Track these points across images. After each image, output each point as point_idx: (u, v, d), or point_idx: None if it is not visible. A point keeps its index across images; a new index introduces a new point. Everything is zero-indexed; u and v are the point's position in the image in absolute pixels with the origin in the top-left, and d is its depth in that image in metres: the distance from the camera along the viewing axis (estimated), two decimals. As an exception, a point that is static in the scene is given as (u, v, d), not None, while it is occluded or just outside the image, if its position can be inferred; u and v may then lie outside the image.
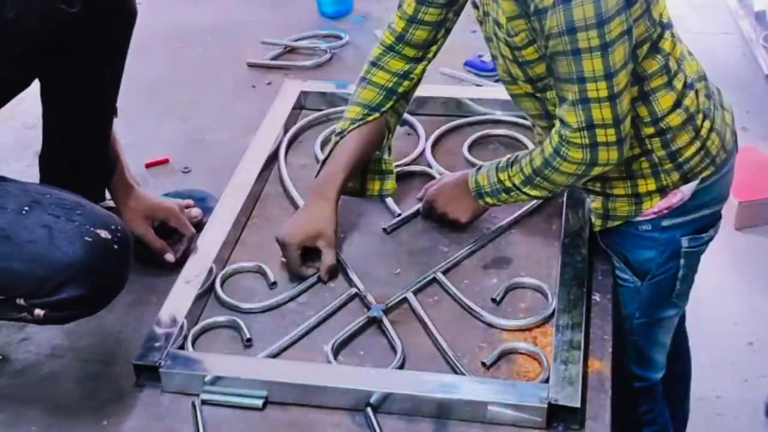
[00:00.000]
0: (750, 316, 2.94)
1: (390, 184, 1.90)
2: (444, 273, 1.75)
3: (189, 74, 2.46)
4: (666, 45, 1.59)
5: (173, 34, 2.64)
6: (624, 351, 1.81)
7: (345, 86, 2.26)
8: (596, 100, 1.50)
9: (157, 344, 1.59)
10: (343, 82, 2.29)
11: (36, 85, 2.29)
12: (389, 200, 1.93)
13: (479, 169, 1.76)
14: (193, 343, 1.63)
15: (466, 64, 2.39)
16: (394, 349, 1.61)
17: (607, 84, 1.48)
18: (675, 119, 1.62)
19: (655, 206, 1.69)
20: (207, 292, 1.74)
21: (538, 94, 1.65)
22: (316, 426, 1.50)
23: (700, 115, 1.65)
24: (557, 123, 1.58)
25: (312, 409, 1.52)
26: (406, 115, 2.17)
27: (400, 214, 1.89)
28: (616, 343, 1.63)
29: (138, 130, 2.23)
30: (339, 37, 2.51)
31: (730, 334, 2.88)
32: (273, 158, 2.07)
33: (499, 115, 2.17)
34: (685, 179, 1.67)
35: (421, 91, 2.21)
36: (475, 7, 1.69)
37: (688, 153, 1.65)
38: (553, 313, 1.64)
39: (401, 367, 1.58)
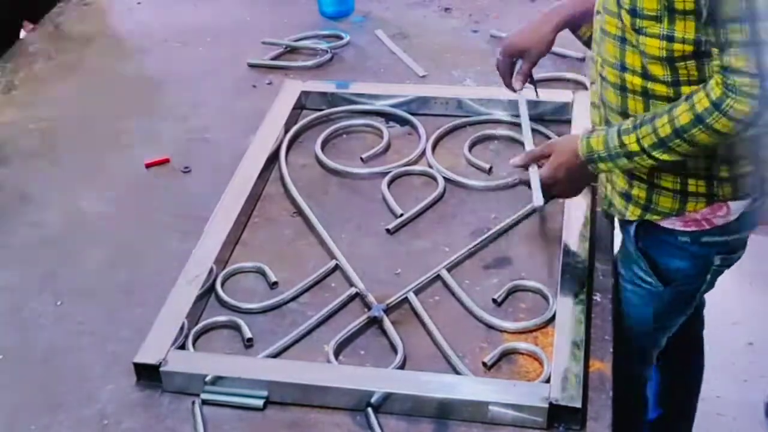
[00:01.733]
0: (750, 316, 2.94)
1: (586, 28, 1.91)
2: (446, 272, 1.75)
3: (189, 74, 2.46)
4: None
5: (173, 34, 2.64)
6: (629, 354, 1.80)
7: (345, 86, 2.27)
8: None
9: (157, 344, 1.58)
10: (343, 82, 2.29)
11: (35, 84, 2.30)
12: (391, 200, 1.93)
13: (591, 132, 1.65)
14: (193, 343, 1.63)
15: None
16: (394, 349, 1.61)
17: None
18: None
19: (699, 211, 1.65)
20: (207, 292, 1.74)
21: (626, 36, 1.55)
22: (317, 426, 1.50)
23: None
24: (716, 77, 1.45)
25: (312, 409, 1.52)
26: (406, 115, 2.18)
27: (402, 215, 1.89)
28: (620, 345, 1.62)
29: (138, 130, 2.23)
30: (340, 37, 2.51)
31: (730, 334, 2.88)
32: (273, 158, 2.07)
33: (499, 115, 2.17)
34: (735, 194, 1.63)
35: (421, 91, 2.23)
36: None
37: (745, 168, 1.60)
38: (553, 315, 1.64)
39: (402, 367, 1.58)
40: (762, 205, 1.69)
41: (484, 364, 1.57)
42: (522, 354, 1.59)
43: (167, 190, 2.03)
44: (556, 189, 1.72)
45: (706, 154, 1.58)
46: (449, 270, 1.76)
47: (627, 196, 1.71)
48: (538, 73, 2.28)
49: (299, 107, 2.25)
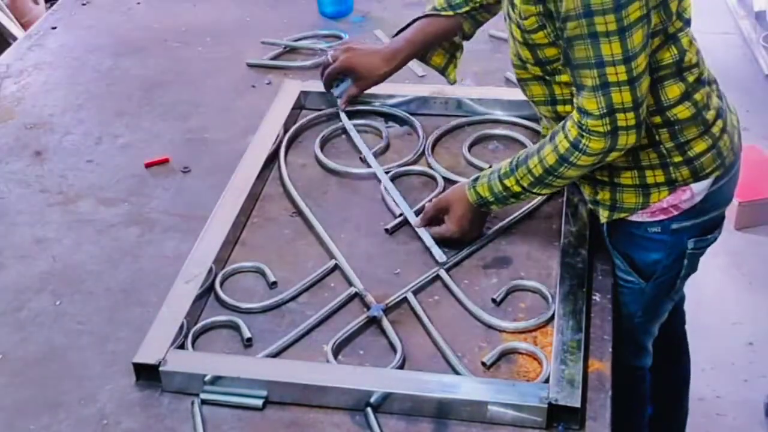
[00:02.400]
0: (750, 316, 2.94)
1: (452, 73, 2.05)
2: (446, 272, 1.75)
3: (189, 74, 2.46)
4: (684, 40, 1.60)
5: (173, 34, 2.64)
6: (623, 348, 1.81)
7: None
8: (616, 84, 1.49)
9: (157, 344, 1.58)
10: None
11: (35, 85, 2.30)
12: (390, 201, 1.93)
13: (475, 180, 1.75)
14: (193, 343, 1.63)
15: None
16: (394, 348, 1.61)
17: (626, 68, 1.48)
18: (683, 111, 1.62)
19: (663, 200, 1.68)
20: (207, 292, 1.74)
21: (547, 77, 1.65)
22: (316, 426, 1.50)
23: (712, 113, 1.65)
24: (574, 115, 1.58)
25: (312, 409, 1.52)
26: (406, 115, 2.17)
27: (401, 215, 1.89)
28: (616, 341, 1.63)
29: (138, 130, 2.23)
30: (339, 37, 2.51)
31: (730, 334, 2.88)
32: (273, 158, 2.07)
33: (499, 115, 2.17)
34: (695, 176, 1.66)
35: (421, 91, 2.23)
36: None
37: (698, 149, 1.64)
38: (553, 315, 1.64)
39: (401, 367, 1.58)
40: (728, 180, 1.72)
41: (484, 363, 1.57)
42: (521, 354, 1.60)
43: (167, 190, 2.03)
44: (467, 238, 1.79)
45: (652, 144, 1.64)
46: (449, 270, 1.76)
47: (594, 202, 1.75)
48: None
49: (298, 107, 2.25)
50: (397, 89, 2.24)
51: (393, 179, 2.00)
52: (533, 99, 1.74)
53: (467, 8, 1.92)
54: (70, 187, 2.05)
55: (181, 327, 1.63)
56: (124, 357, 1.61)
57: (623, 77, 1.48)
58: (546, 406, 1.46)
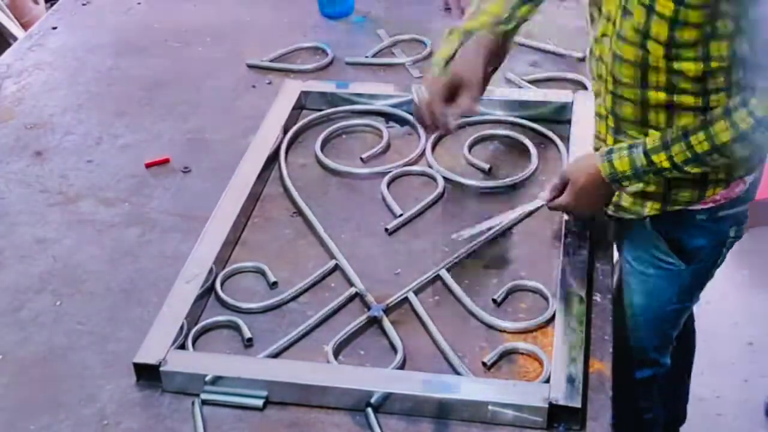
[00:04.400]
0: (750, 316, 2.94)
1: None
2: (446, 272, 1.75)
3: (189, 74, 2.46)
4: None
5: (173, 34, 2.64)
6: (650, 339, 1.84)
7: (345, 86, 2.26)
8: None
9: (157, 344, 1.58)
10: (343, 82, 2.29)
11: (35, 85, 2.31)
12: (390, 200, 1.93)
13: (610, 153, 1.65)
14: (193, 343, 1.63)
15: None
16: (394, 349, 1.61)
17: None
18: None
19: (717, 194, 1.69)
20: (207, 292, 1.74)
21: (661, 60, 1.56)
22: (316, 426, 1.50)
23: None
24: (758, 96, 1.49)
25: (312, 409, 1.52)
26: (406, 115, 2.17)
27: (401, 214, 1.89)
28: (630, 332, 1.62)
29: (138, 130, 2.23)
30: (322, 50, 2.48)
31: (730, 334, 2.88)
32: (273, 158, 2.07)
33: (499, 115, 2.17)
34: (750, 170, 1.68)
35: (421, 91, 2.22)
36: None
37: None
38: (553, 315, 1.64)
39: (401, 367, 1.58)
40: (761, 171, 1.73)
41: (484, 364, 1.57)
42: (522, 354, 1.60)
43: (167, 190, 2.03)
44: (578, 212, 1.73)
45: None
46: (449, 270, 1.76)
47: (642, 194, 1.72)
48: (535, 74, 2.29)
49: (299, 107, 2.25)
50: (397, 89, 2.24)
51: (393, 179, 2.00)
52: (613, 75, 1.64)
53: (513, 25, 1.80)
54: (70, 187, 2.05)
55: (182, 327, 1.63)
56: (124, 357, 1.61)
57: None
58: (546, 406, 1.46)
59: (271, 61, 2.46)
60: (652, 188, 1.71)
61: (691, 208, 1.72)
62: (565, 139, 2.04)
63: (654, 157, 1.60)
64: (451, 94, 1.73)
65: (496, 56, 1.79)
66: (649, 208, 1.74)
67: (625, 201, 1.76)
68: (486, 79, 1.78)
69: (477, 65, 1.73)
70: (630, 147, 1.62)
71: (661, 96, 1.60)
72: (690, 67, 1.54)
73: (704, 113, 1.57)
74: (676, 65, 1.55)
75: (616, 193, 1.75)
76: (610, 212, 1.80)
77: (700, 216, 1.72)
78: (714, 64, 1.53)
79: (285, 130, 2.14)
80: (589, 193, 1.69)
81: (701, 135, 1.55)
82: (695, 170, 1.60)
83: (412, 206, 1.91)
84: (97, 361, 1.63)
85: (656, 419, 2.11)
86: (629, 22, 1.57)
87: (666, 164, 1.59)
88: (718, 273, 2.85)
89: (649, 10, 1.52)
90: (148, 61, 2.52)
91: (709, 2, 1.46)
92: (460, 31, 1.77)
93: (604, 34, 1.66)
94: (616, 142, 1.71)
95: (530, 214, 1.81)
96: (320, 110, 2.23)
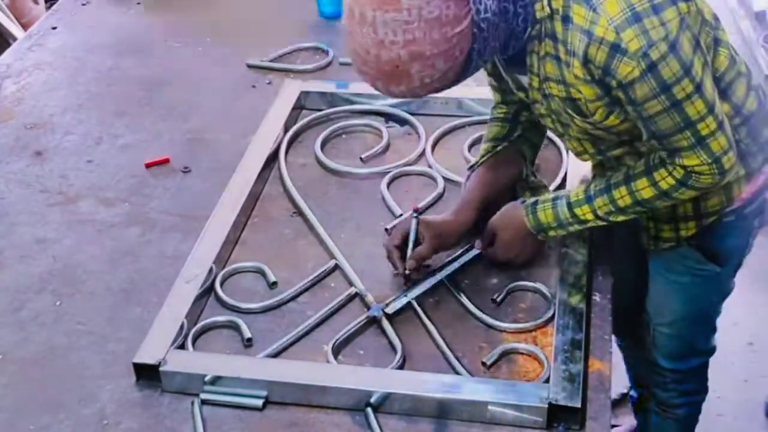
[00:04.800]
0: (750, 316, 2.94)
1: (527, 193, 1.84)
2: (448, 274, 1.75)
3: (189, 74, 2.46)
4: (723, 36, 1.60)
5: (173, 34, 2.64)
6: (702, 333, 1.90)
7: (345, 86, 2.26)
8: (710, 135, 1.50)
9: (157, 344, 1.58)
10: (343, 82, 2.29)
11: (35, 85, 2.31)
12: (390, 200, 1.93)
13: (533, 206, 1.69)
14: (193, 343, 1.63)
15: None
16: (394, 349, 1.61)
17: (712, 116, 1.49)
18: (752, 103, 1.64)
19: (743, 191, 1.69)
20: (207, 292, 1.74)
21: (625, 138, 1.62)
22: (316, 426, 1.50)
23: (762, 93, 1.68)
24: (676, 163, 1.54)
25: (312, 409, 1.52)
26: (406, 115, 2.17)
27: (401, 215, 1.89)
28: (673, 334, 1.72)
29: (138, 130, 2.23)
30: (322, 50, 2.48)
31: (730, 334, 2.87)
32: (273, 158, 2.07)
33: (499, 115, 2.17)
34: (765, 160, 1.69)
35: (421, 91, 2.22)
36: (521, 90, 1.66)
37: (766, 133, 1.67)
38: (553, 315, 1.64)
39: (401, 367, 1.58)
40: None
41: (484, 364, 1.57)
42: (521, 354, 1.60)
43: (167, 190, 2.03)
44: (516, 261, 1.75)
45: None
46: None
47: (674, 220, 1.73)
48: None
49: (299, 107, 2.25)
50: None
51: (393, 179, 2.00)
52: (602, 147, 1.68)
53: (518, 132, 1.81)
54: (70, 187, 2.05)
55: (182, 327, 1.63)
56: (124, 357, 1.61)
57: (713, 126, 1.49)
58: (546, 406, 1.45)
59: (271, 61, 2.46)
60: (680, 210, 1.71)
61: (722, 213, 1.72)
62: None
63: (577, 210, 1.65)
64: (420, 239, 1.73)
65: (506, 175, 1.81)
66: (686, 230, 1.74)
67: (664, 233, 1.75)
68: (503, 192, 1.82)
69: (455, 217, 1.76)
70: (554, 199, 1.68)
71: (618, 152, 1.65)
72: (614, 122, 1.56)
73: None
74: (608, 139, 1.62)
75: (652, 225, 1.76)
76: (651, 248, 1.80)
77: (729, 218, 1.72)
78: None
79: (285, 130, 2.14)
80: (516, 243, 1.73)
81: (623, 190, 1.60)
82: (622, 218, 1.64)
83: (412, 206, 1.91)
84: (97, 361, 1.63)
85: (703, 399, 2.14)
86: (572, 130, 1.63)
87: (590, 216, 1.65)
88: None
89: (579, 126, 1.60)
90: (148, 61, 2.52)
91: (606, 105, 1.52)
92: (468, 167, 1.85)
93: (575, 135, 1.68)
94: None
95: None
96: (320, 110, 2.23)
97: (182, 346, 1.62)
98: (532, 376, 1.55)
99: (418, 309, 1.67)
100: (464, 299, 1.69)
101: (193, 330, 1.65)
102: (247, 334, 1.64)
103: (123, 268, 1.82)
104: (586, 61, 1.44)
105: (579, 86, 1.50)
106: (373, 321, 1.66)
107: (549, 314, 1.65)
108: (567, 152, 1.99)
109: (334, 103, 2.24)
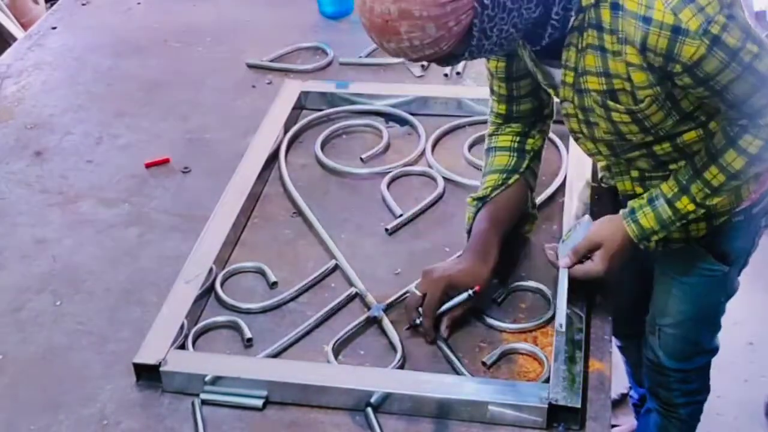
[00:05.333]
0: (750, 316, 2.93)
1: (528, 225, 1.82)
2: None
3: (189, 74, 2.46)
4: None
5: (173, 34, 2.64)
6: (708, 332, 1.90)
7: (345, 86, 2.27)
8: None
9: (157, 344, 1.58)
10: (343, 82, 2.29)
11: (35, 85, 2.30)
12: (391, 200, 1.93)
13: (631, 213, 1.63)
14: (193, 343, 1.63)
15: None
16: (394, 349, 1.61)
17: None
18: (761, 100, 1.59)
19: (752, 191, 1.69)
20: (207, 292, 1.74)
21: (649, 139, 1.60)
22: (316, 426, 1.50)
23: None
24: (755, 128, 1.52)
25: (312, 409, 1.52)
26: (406, 115, 2.18)
27: (401, 215, 1.89)
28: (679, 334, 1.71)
29: (138, 130, 2.23)
30: (322, 50, 2.48)
31: (730, 334, 2.87)
32: (273, 158, 2.07)
33: (499, 115, 2.17)
34: None
35: (421, 91, 2.23)
36: (552, 87, 1.64)
37: None
38: (553, 315, 1.64)
39: (401, 367, 1.58)
40: None
41: (484, 363, 1.57)
42: (522, 354, 1.60)
43: (167, 190, 2.03)
44: (611, 276, 1.66)
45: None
46: (449, 270, 1.76)
47: (684, 222, 1.69)
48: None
49: (299, 107, 2.25)
50: (397, 89, 2.24)
51: (393, 179, 2.00)
52: (619, 150, 1.66)
53: (527, 162, 1.77)
54: (70, 187, 2.05)
55: (182, 327, 1.63)
56: (124, 357, 1.61)
57: None
58: (546, 406, 1.45)
59: (271, 61, 2.46)
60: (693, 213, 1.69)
61: (731, 213, 1.71)
62: (565, 139, 2.03)
63: (678, 204, 1.60)
64: (448, 296, 1.64)
65: (518, 207, 1.76)
66: (697, 231, 1.72)
67: (674, 233, 1.71)
68: (519, 218, 1.78)
69: (485, 264, 1.65)
70: (650, 201, 1.62)
71: (666, 147, 1.61)
72: (656, 114, 1.54)
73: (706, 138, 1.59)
74: (663, 131, 1.58)
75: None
76: (658, 249, 1.75)
77: (738, 218, 1.72)
78: (684, 104, 1.55)
79: (285, 130, 2.14)
80: (620, 256, 1.65)
81: (714, 169, 1.56)
82: (717, 200, 1.61)
83: (412, 206, 1.91)
84: (97, 361, 1.63)
85: (705, 399, 2.14)
86: (598, 130, 1.60)
87: (691, 207, 1.60)
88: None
89: (611, 122, 1.56)
90: (148, 61, 2.52)
91: (656, 94, 1.49)
92: (473, 200, 1.75)
93: (599, 137, 1.65)
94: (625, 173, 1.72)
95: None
96: (320, 110, 2.23)
97: (182, 347, 1.62)
98: (532, 376, 1.55)
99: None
100: (464, 299, 1.69)
101: (194, 330, 1.65)
102: (248, 334, 1.64)
103: (123, 269, 1.82)
104: (645, 49, 1.42)
105: (631, 73, 1.47)
106: (373, 321, 1.66)
107: (549, 314, 1.65)
108: (567, 153, 2.00)
109: (334, 103, 2.24)
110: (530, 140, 1.79)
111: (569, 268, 1.64)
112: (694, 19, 1.38)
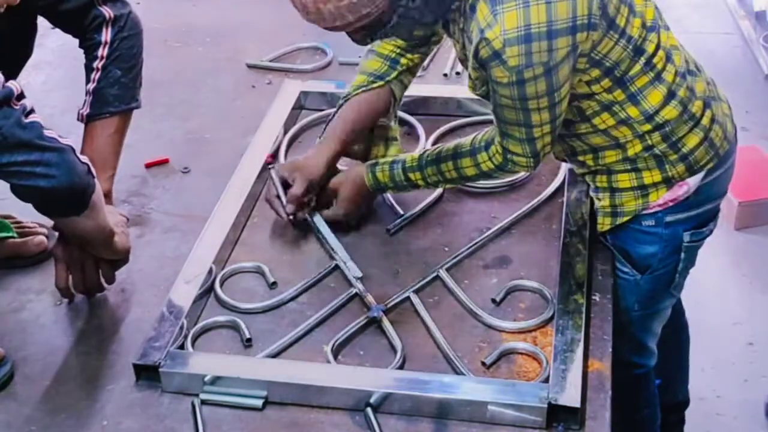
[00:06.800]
0: (750, 316, 2.94)
1: (394, 149, 1.93)
2: (446, 272, 1.75)
3: (189, 74, 2.46)
4: (649, 47, 1.60)
5: (173, 34, 2.64)
6: (622, 342, 1.82)
7: (345, 86, 2.26)
8: (540, 137, 1.60)
9: (157, 344, 1.59)
10: (343, 82, 2.28)
11: (35, 85, 2.29)
12: (393, 201, 1.93)
13: (372, 166, 1.81)
14: (193, 343, 1.63)
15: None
16: (394, 349, 1.61)
17: (550, 126, 1.58)
18: (670, 112, 1.63)
19: (660, 198, 1.69)
20: (207, 292, 1.74)
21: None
22: (316, 426, 1.50)
23: (699, 103, 1.66)
24: (497, 144, 1.66)
25: (312, 409, 1.52)
26: (406, 116, 2.17)
27: (402, 215, 1.89)
28: (615, 335, 1.63)
29: (138, 130, 2.22)
30: (321, 49, 2.49)
31: (730, 334, 2.88)
32: (273, 158, 2.07)
33: (499, 115, 2.16)
34: (690, 171, 1.68)
35: (421, 91, 2.23)
36: (446, 31, 1.71)
37: (691, 143, 1.66)
38: (553, 315, 1.64)
39: (401, 367, 1.58)
40: (724, 171, 1.73)
41: (484, 363, 1.57)
42: (521, 354, 1.60)
43: (167, 190, 2.03)
44: (352, 217, 1.87)
45: (646, 149, 1.66)
46: (449, 270, 1.76)
47: (594, 213, 1.77)
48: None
49: (298, 107, 2.25)
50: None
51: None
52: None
53: (395, 73, 1.87)
54: (70, 187, 2.05)
55: (181, 327, 1.63)
56: (124, 357, 1.61)
57: (547, 130, 1.59)
58: (546, 406, 1.46)
59: (271, 61, 2.46)
60: (600, 203, 1.75)
61: (638, 213, 1.72)
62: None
63: (410, 175, 1.78)
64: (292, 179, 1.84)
65: (377, 111, 1.88)
66: (602, 224, 1.76)
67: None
68: (371, 133, 1.92)
69: (320, 150, 1.86)
70: (392, 163, 1.80)
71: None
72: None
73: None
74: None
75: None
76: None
77: (647, 222, 1.73)
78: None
79: (285, 130, 2.14)
80: (355, 199, 1.84)
81: (450, 165, 1.74)
82: (447, 187, 1.88)
83: (412, 206, 1.91)
84: (97, 362, 1.63)
85: (651, 417, 2.10)
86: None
87: (421, 182, 1.79)
88: (718, 272, 2.85)
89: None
90: (148, 61, 2.50)
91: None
92: (342, 97, 1.90)
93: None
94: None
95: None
96: (320, 110, 2.23)
97: (182, 347, 1.62)
98: (532, 376, 1.55)
99: (419, 309, 1.67)
100: (464, 299, 1.69)
101: (193, 330, 1.65)
102: (247, 334, 1.64)
103: (123, 268, 1.82)
104: (476, 53, 1.51)
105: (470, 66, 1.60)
106: (373, 321, 1.66)
107: (549, 314, 1.65)
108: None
109: (334, 103, 2.23)
110: (409, 55, 1.87)
111: (294, 214, 1.83)
112: (516, 59, 1.47)
